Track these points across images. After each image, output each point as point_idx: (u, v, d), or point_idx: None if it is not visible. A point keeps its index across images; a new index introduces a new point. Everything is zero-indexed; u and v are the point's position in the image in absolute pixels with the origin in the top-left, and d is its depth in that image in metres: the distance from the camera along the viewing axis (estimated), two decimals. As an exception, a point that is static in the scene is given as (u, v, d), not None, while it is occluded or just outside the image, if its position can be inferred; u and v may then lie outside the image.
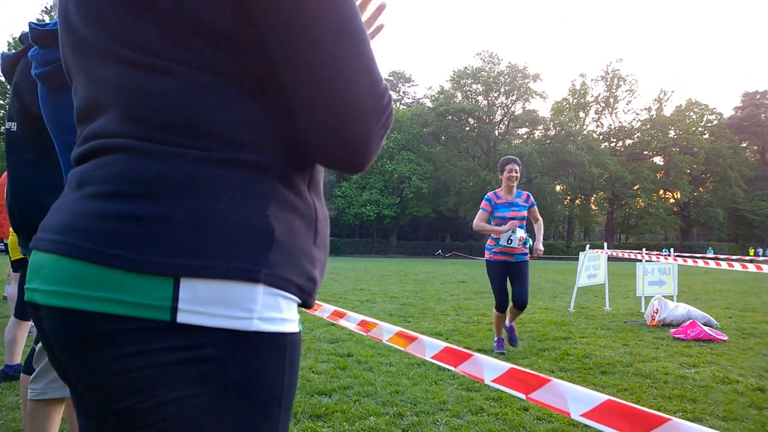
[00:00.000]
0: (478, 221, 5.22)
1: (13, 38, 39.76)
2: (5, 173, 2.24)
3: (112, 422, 0.68)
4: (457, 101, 51.96)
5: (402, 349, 1.59)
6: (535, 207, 5.27)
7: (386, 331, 1.69)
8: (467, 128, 52.12)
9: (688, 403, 3.53)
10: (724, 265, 7.74)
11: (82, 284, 0.64)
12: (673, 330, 6.14)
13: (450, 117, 50.66)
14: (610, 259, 9.13)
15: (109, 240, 0.64)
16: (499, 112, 54.63)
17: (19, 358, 3.93)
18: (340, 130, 0.68)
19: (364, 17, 0.93)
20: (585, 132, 53.53)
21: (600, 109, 56.06)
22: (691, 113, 54.24)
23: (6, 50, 5.68)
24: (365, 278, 15.00)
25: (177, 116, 0.67)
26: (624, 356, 4.93)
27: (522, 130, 56.69)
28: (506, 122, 55.23)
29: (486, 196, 5.25)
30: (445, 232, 56.05)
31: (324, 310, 2.37)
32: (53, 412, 1.91)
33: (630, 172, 50.17)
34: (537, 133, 55.85)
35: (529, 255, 5.22)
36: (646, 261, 8.29)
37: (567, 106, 55.34)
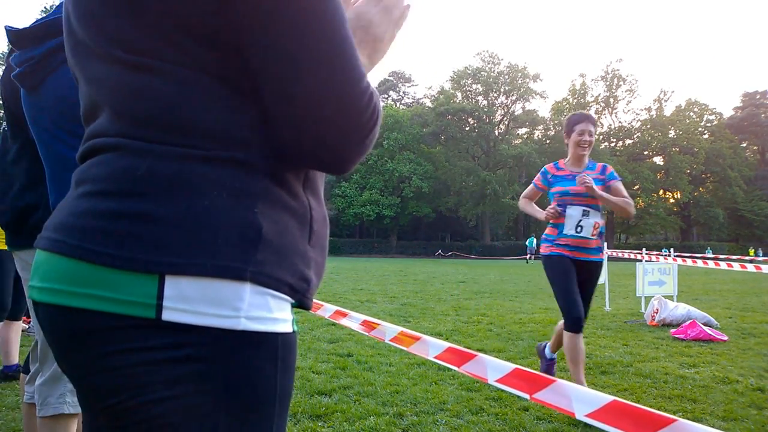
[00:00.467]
0: (524, 199, 4.00)
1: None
2: None
3: (104, 419, 0.68)
4: (457, 101, 51.96)
5: (405, 348, 1.58)
6: (619, 182, 3.67)
7: (389, 330, 1.69)
8: (467, 128, 52.13)
9: (688, 403, 3.53)
10: (723, 265, 7.75)
11: (72, 281, 0.65)
12: (673, 330, 6.14)
13: (450, 117, 50.65)
14: (610, 259, 9.13)
15: (98, 238, 0.65)
16: (499, 112, 54.64)
17: (15, 359, 3.92)
18: (318, 130, 0.67)
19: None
20: (585, 132, 53.41)
21: (600, 109, 56.05)
22: (691, 113, 54.27)
23: (6, 50, 5.68)
24: (365, 278, 14.99)
25: (165, 114, 0.68)
26: (624, 356, 4.93)
27: (522, 130, 56.71)
28: (506, 122, 55.23)
29: (542, 169, 3.88)
30: (445, 232, 56.05)
31: (326, 309, 2.37)
32: None
33: (630, 172, 50.17)
34: (537, 133, 55.87)
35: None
36: (646, 261, 8.29)
37: (567, 106, 55.30)
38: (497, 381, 1.23)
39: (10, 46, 1.67)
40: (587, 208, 3.57)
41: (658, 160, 54.86)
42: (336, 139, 0.68)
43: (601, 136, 55.51)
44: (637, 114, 62.20)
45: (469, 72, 53.47)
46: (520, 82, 53.09)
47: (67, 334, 0.67)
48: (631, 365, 4.58)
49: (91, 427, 0.72)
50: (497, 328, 6.46)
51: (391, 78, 61.59)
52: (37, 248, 0.71)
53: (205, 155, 0.68)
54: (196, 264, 0.64)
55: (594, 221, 3.56)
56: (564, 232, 3.59)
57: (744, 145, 56.70)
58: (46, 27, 1.57)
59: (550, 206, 3.64)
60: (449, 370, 3.99)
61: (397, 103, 61.03)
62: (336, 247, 42.83)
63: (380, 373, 4.15)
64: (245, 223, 0.67)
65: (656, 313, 6.81)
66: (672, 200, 54.15)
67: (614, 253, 8.92)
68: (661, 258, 8.56)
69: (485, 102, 53.51)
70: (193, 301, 0.64)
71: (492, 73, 53.24)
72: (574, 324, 3.53)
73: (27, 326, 5.43)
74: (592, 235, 3.57)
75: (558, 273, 3.62)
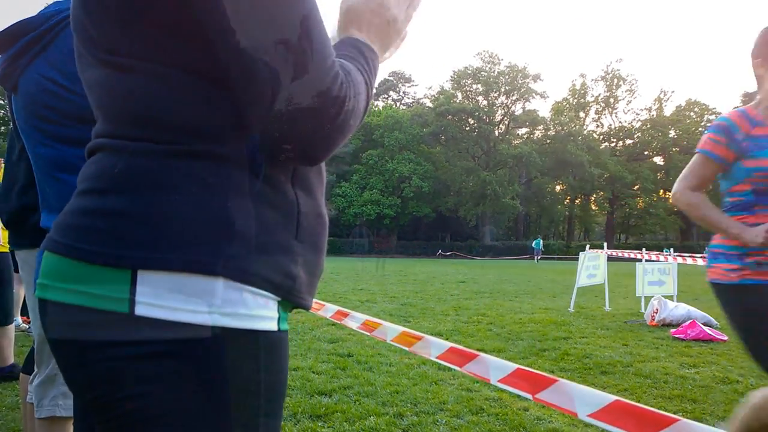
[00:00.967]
0: (694, 194, 2.07)
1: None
2: None
3: (90, 412, 0.70)
4: (457, 101, 51.94)
5: (407, 348, 1.58)
6: None
7: (390, 330, 1.69)
8: (467, 128, 52.11)
9: (688, 403, 3.53)
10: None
11: (58, 277, 0.68)
12: (673, 330, 6.14)
13: (450, 117, 50.63)
14: (610, 259, 9.13)
15: (78, 234, 0.68)
16: (499, 112, 54.60)
17: (11, 360, 3.92)
18: (284, 116, 0.65)
19: None
20: (585, 132, 53.53)
21: (600, 109, 56.07)
22: (691, 113, 54.24)
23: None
24: (365, 278, 14.99)
25: (141, 111, 0.69)
26: (624, 356, 4.93)
27: (522, 130, 56.68)
28: (506, 122, 55.21)
29: (722, 121, 2.00)
30: (445, 232, 56.01)
31: (327, 309, 2.37)
32: None
33: (630, 172, 50.19)
34: (537, 133, 55.84)
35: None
36: (646, 261, 8.29)
37: (567, 106, 55.34)
38: (500, 381, 1.23)
39: None
40: None
41: (659, 160, 54.86)
42: (302, 121, 0.66)
43: (601, 136, 55.54)
44: (637, 114, 62.29)
45: (469, 72, 53.44)
46: (520, 82, 53.06)
47: (53, 327, 0.69)
48: (631, 365, 4.57)
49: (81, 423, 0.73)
50: (497, 328, 6.46)
51: (391, 78, 61.57)
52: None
53: (178, 150, 0.68)
54: (166, 259, 0.64)
55: None
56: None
57: (744, 145, 56.65)
58: (18, 28, 1.56)
59: (763, 226, 1.85)
60: (449, 370, 4.00)
61: (397, 103, 61.02)
62: (336, 247, 42.80)
63: (380, 373, 4.15)
64: (217, 217, 0.67)
65: (656, 313, 6.81)
66: (672, 200, 54.06)
67: (614, 253, 8.91)
68: (661, 257, 8.55)
69: (485, 102, 53.49)
70: (165, 297, 0.64)
71: (492, 73, 53.21)
72: None
73: (27, 326, 5.44)
74: None
75: (754, 316, 1.96)
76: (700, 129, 53.35)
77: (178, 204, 0.66)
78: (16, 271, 4.08)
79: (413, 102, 61.75)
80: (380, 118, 50.20)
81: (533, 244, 36.66)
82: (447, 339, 5.64)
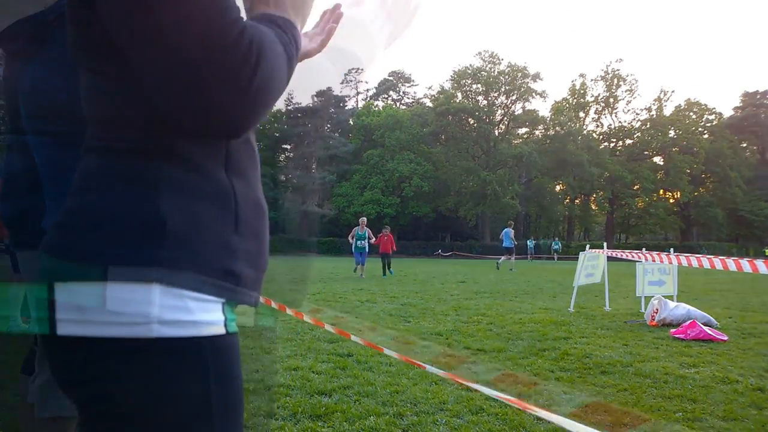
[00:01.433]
0: None
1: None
2: None
3: None
4: (457, 101, 51.92)
5: (445, 374, 1.58)
6: None
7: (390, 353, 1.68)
8: (467, 128, 52.09)
9: (688, 403, 3.53)
10: (719, 266, 7.71)
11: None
12: (673, 330, 6.14)
13: (450, 117, 50.62)
14: (610, 259, 9.13)
15: (53, 239, 0.67)
16: (499, 112, 54.59)
17: None
18: (186, 73, 0.58)
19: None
20: (585, 132, 53.51)
21: (600, 109, 56.02)
22: (691, 113, 54.20)
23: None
24: (365, 278, 14.98)
25: (92, 111, 0.70)
26: (624, 356, 4.93)
27: (522, 130, 56.67)
28: (506, 122, 55.20)
29: None
30: (445, 232, 55.99)
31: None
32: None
33: (630, 172, 50.16)
34: (537, 133, 55.84)
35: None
36: (646, 261, 8.27)
37: (567, 106, 55.27)
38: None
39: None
40: None
41: (658, 160, 54.82)
42: (208, 83, 0.58)
43: (601, 136, 55.51)
44: (637, 114, 62.13)
45: (469, 72, 53.41)
46: (520, 81, 53.03)
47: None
48: (631, 365, 4.57)
49: None
50: (497, 328, 6.46)
51: (391, 78, 61.51)
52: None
53: (108, 147, 0.65)
54: (90, 270, 0.58)
55: None
56: None
57: (744, 145, 56.62)
58: (17, 26, 1.56)
59: None
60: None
61: (397, 103, 60.97)
62: (336, 247, 42.78)
63: (380, 373, 4.15)
64: (147, 218, 0.61)
65: (656, 313, 6.81)
66: (672, 200, 54.11)
67: (614, 253, 8.90)
68: (662, 257, 8.53)
69: (485, 102, 53.47)
70: (90, 310, 0.57)
71: (492, 73, 53.19)
72: None
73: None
74: None
75: None
76: (699, 129, 53.40)
77: (104, 206, 0.61)
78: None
79: (413, 102, 61.69)
80: (380, 118, 50.23)
81: (527, 243, 37.64)
82: (447, 339, 5.65)
